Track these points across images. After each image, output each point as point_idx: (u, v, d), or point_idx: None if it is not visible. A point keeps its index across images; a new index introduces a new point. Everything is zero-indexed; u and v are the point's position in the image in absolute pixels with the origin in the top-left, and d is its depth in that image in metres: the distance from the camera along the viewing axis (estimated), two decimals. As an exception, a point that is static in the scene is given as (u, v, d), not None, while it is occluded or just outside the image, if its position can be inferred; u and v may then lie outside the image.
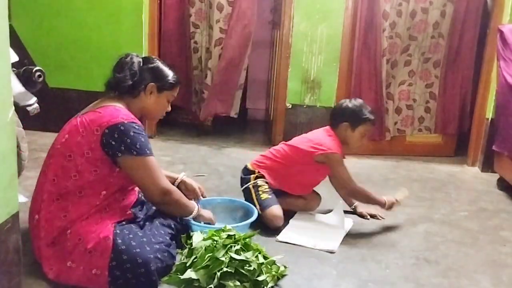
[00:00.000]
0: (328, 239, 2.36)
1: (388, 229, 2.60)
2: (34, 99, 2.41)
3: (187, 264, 1.81)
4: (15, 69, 2.31)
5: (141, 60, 1.99)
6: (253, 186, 2.52)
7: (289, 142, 2.62)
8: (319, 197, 2.74)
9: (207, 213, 2.16)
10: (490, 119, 3.83)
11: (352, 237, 2.43)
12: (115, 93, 1.95)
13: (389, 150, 4.27)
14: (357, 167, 3.84)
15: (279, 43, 4.13)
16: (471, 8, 4.01)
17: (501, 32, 3.51)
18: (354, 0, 3.91)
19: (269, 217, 2.40)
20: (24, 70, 2.38)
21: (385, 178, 3.58)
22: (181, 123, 4.91)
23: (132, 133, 1.79)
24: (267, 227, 2.38)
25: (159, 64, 2.02)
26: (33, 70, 2.38)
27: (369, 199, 2.53)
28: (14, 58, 2.31)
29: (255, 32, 4.24)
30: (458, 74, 4.17)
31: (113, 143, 1.77)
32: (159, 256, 1.75)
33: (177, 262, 1.88)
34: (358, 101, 2.57)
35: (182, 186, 2.26)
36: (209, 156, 3.83)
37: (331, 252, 2.25)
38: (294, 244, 2.29)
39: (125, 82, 1.92)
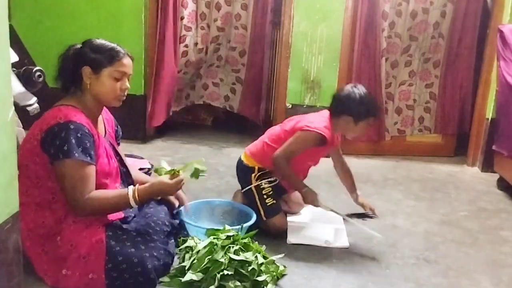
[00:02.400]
0: (337, 235, 2.38)
1: (388, 229, 2.60)
2: (34, 99, 2.41)
3: (187, 267, 1.81)
4: (15, 69, 2.32)
5: (78, 46, 1.83)
6: (255, 188, 2.42)
7: (283, 125, 2.49)
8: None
9: (157, 186, 1.80)
10: (490, 119, 3.83)
11: (352, 237, 2.43)
12: (65, 91, 1.84)
13: (389, 150, 4.26)
14: (357, 167, 3.84)
15: (279, 43, 4.13)
16: (471, 8, 4.00)
17: (501, 32, 3.51)
18: (354, 0, 3.91)
19: (273, 227, 2.36)
20: (24, 70, 2.38)
21: (385, 178, 3.58)
22: (181, 123, 4.91)
23: (63, 134, 1.65)
24: (267, 231, 2.37)
25: (93, 43, 1.82)
26: (33, 70, 2.38)
27: (289, 178, 2.38)
28: (14, 58, 2.31)
29: (254, 32, 4.31)
30: (458, 74, 4.17)
31: (47, 147, 1.68)
32: (155, 254, 1.73)
33: (176, 265, 1.88)
34: (365, 92, 2.38)
35: None
36: (209, 156, 3.83)
37: (346, 248, 2.28)
38: (308, 245, 2.29)
39: (61, 76, 1.82)
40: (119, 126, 2.10)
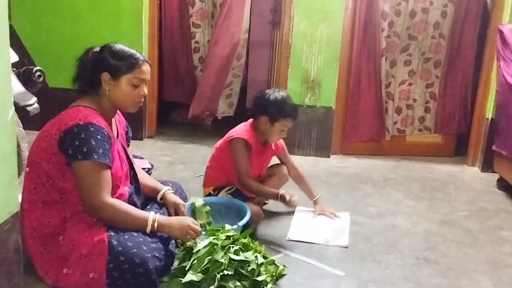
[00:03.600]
0: (337, 234, 2.38)
1: (388, 229, 2.60)
2: (34, 99, 2.42)
3: (187, 268, 1.81)
4: (15, 69, 2.32)
5: (97, 50, 1.83)
6: None
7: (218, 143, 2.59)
8: (283, 168, 2.69)
9: (176, 224, 1.82)
10: (490, 119, 3.83)
11: (352, 237, 2.43)
12: (81, 92, 1.83)
13: (389, 150, 4.26)
14: (357, 167, 3.85)
15: (279, 43, 4.14)
16: (471, 8, 4.00)
17: (501, 32, 3.51)
18: (354, 0, 3.92)
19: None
20: (24, 70, 2.38)
21: (385, 178, 3.58)
22: (181, 123, 4.92)
23: (83, 135, 1.66)
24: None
25: (112, 48, 1.81)
26: (33, 70, 2.38)
27: (262, 193, 2.47)
28: (14, 58, 2.32)
29: (255, 32, 4.30)
30: (458, 74, 4.17)
31: (65, 147, 1.68)
32: (156, 254, 1.72)
33: (176, 265, 1.88)
34: (281, 94, 2.46)
35: (164, 199, 2.10)
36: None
37: (345, 247, 2.28)
38: (306, 242, 2.30)
39: (79, 79, 1.82)
40: (129, 128, 2.09)
